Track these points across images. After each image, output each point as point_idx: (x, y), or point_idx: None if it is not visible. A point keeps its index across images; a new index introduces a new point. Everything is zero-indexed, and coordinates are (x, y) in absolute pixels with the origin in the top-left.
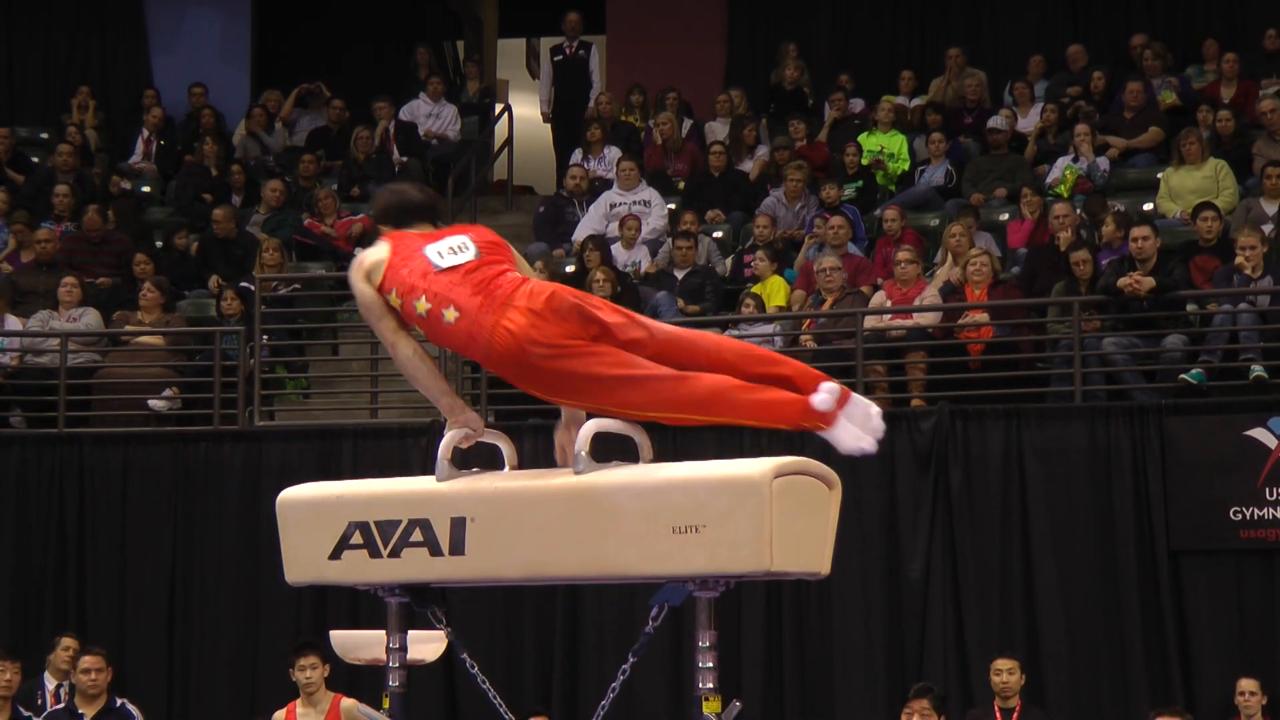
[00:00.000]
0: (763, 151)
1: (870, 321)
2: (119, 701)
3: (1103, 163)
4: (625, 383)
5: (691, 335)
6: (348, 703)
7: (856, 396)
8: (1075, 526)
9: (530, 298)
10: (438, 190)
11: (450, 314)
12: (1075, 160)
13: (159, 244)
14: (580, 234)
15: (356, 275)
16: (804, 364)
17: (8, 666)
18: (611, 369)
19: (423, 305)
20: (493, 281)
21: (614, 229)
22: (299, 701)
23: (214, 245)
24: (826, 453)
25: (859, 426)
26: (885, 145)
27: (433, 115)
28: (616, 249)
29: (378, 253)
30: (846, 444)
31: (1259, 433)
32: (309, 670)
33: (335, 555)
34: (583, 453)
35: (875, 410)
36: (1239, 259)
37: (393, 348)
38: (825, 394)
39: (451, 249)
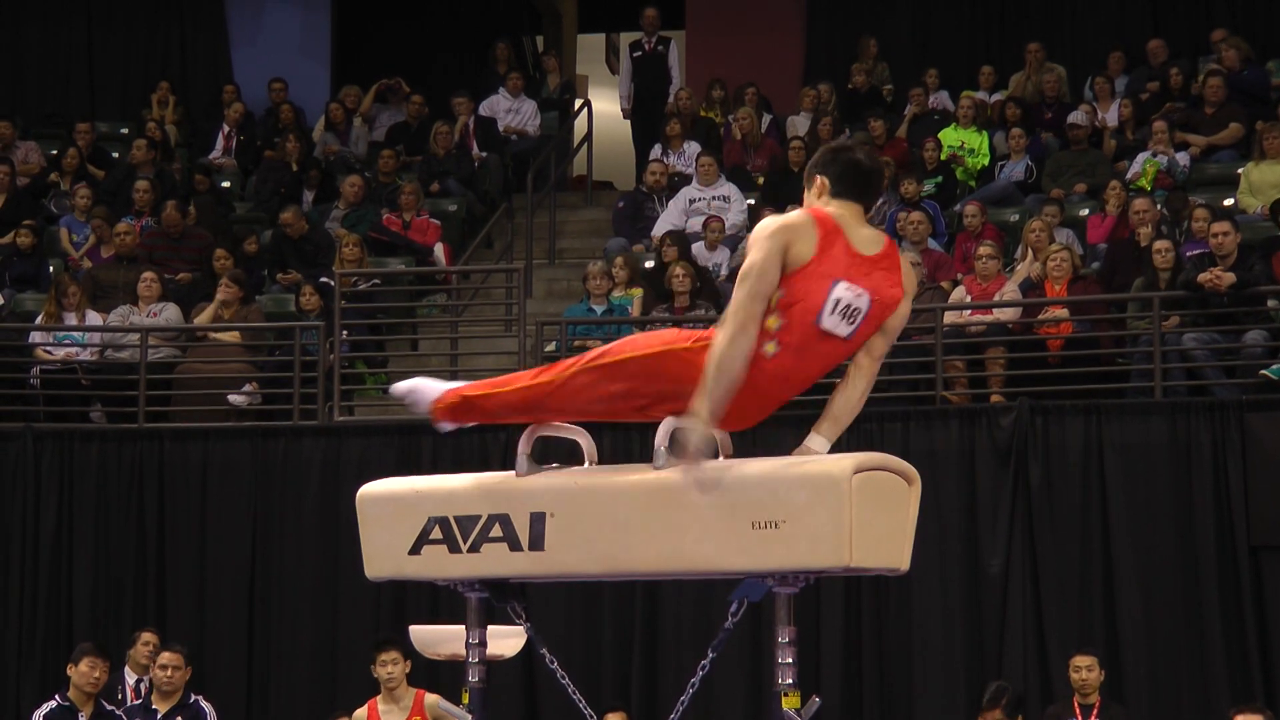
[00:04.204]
0: None
1: (950, 317)
2: (193, 698)
3: (1183, 158)
4: None
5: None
6: (431, 698)
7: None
8: (1155, 522)
9: None
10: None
11: (770, 348)
12: (1155, 155)
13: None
14: (659, 229)
15: (772, 238)
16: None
17: (97, 664)
18: None
19: (772, 347)
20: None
21: (694, 224)
22: (380, 698)
23: (285, 243)
24: (905, 449)
25: None
26: (966, 140)
27: (512, 110)
28: (699, 249)
29: (808, 240)
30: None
31: None
32: (390, 666)
33: (415, 550)
34: (661, 449)
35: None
36: None
37: (740, 327)
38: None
39: (847, 310)
